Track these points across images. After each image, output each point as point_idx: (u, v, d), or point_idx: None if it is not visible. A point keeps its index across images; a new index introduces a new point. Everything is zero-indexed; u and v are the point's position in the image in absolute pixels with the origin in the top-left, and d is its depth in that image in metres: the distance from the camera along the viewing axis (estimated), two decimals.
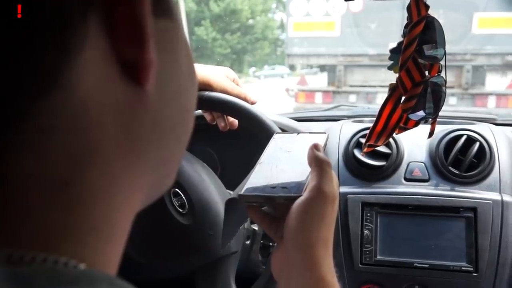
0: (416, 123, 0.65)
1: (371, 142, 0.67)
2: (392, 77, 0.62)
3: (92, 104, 0.20)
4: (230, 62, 13.62)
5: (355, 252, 0.85)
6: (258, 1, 14.73)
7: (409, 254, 0.84)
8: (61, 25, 0.18)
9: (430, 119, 0.63)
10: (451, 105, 5.60)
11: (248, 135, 0.77)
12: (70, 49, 0.19)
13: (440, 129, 0.93)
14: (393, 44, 0.61)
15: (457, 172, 0.88)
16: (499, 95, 5.87)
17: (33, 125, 0.19)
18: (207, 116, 0.80)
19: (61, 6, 0.18)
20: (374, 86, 6.15)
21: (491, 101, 5.80)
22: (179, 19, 0.25)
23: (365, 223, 0.86)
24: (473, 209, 0.83)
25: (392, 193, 0.87)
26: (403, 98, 0.61)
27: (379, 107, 0.64)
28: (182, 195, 0.68)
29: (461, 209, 0.84)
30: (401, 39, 0.59)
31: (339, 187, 0.89)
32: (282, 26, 13.59)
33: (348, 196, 0.87)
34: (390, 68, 0.62)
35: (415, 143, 0.94)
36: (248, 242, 0.80)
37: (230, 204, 0.52)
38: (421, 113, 0.61)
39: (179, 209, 0.67)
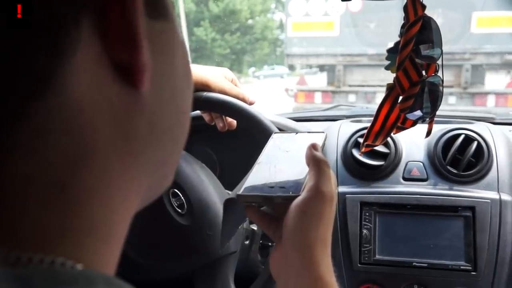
0: (414, 123, 0.65)
1: (369, 142, 0.67)
2: (391, 77, 0.62)
3: (86, 107, 0.20)
4: (229, 63, 13.60)
5: (354, 252, 0.85)
6: (257, 1, 14.70)
7: (408, 253, 0.84)
8: (54, 27, 0.18)
9: (428, 119, 0.63)
10: (450, 104, 5.59)
11: (246, 136, 0.77)
12: (63, 52, 0.19)
13: (438, 129, 0.93)
14: (391, 44, 0.62)
15: (455, 171, 0.88)
16: (498, 94, 5.87)
17: (28, 126, 0.19)
18: (206, 117, 0.81)
19: (53, 8, 0.18)
20: (373, 86, 6.15)
21: (491, 100, 5.80)
22: (175, 21, 0.25)
23: (363, 222, 0.86)
24: (472, 208, 0.84)
25: (390, 193, 0.87)
26: (400, 97, 0.62)
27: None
28: (181, 196, 0.68)
29: (459, 208, 0.84)
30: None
31: (338, 187, 0.89)
32: (281, 26, 13.55)
33: (347, 195, 0.88)
34: (387, 68, 0.62)
35: (413, 143, 0.94)
36: (247, 242, 0.80)
37: (228, 204, 0.52)
38: (418, 113, 0.62)
39: (178, 209, 0.67)
